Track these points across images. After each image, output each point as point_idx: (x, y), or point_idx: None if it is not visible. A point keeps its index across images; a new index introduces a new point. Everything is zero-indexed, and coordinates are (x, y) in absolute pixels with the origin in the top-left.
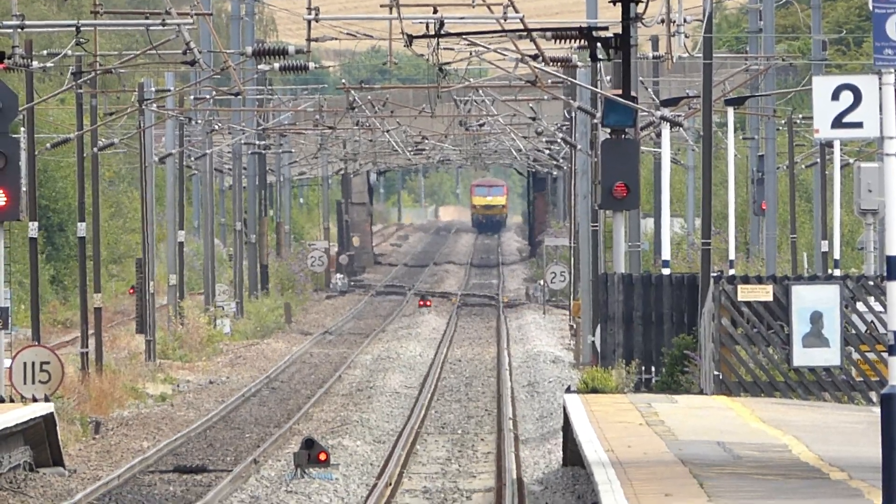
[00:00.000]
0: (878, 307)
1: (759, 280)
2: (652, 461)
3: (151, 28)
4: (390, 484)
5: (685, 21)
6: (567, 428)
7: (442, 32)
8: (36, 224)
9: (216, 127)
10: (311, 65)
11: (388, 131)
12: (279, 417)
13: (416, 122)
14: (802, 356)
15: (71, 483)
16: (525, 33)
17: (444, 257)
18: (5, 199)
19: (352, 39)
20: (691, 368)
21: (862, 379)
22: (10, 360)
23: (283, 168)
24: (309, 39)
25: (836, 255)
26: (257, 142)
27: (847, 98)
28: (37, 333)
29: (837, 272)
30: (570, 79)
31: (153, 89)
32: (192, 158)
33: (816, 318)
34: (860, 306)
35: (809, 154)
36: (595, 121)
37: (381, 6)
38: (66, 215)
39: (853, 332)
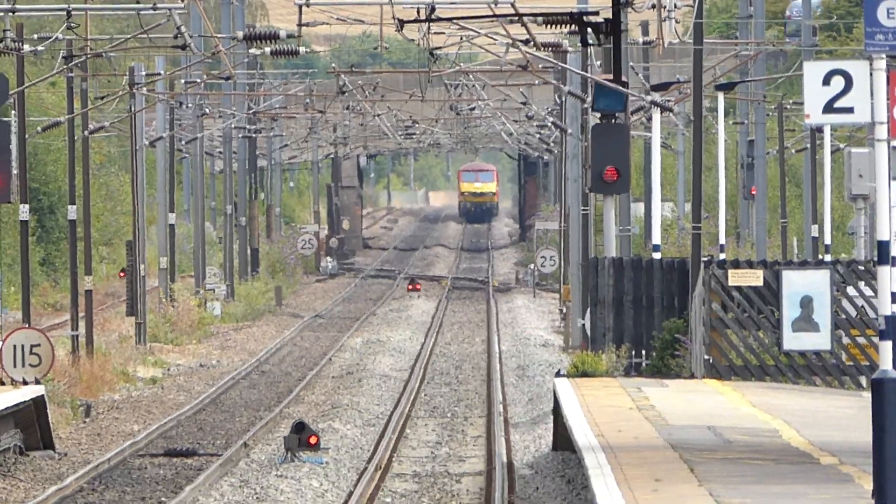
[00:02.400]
0: (868, 292)
1: (750, 264)
2: (642, 446)
3: (142, 12)
4: (380, 468)
5: (675, 6)
6: (557, 412)
7: (433, 17)
8: (27, 207)
9: (207, 111)
10: (302, 49)
11: (378, 115)
12: (269, 401)
13: (407, 106)
14: (793, 340)
15: (61, 466)
16: (516, 18)
17: (435, 241)
18: None
19: (343, 24)
20: (682, 352)
21: (852, 363)
22: (1, 343)
23: (273, 152)
24: (300, 24)
25: (827, 240)
26: (248, 126)
27: (838, 83)
28: (27, 316)
29: (828, 257)
30: (560, 63)
31: (144, 73)
32: (183, 142)
33: (807, 303)
34: (850, 291)
35: (800, 139)
36: (585, 105)
37: None
38: (56, 198)
39: (843, 316)
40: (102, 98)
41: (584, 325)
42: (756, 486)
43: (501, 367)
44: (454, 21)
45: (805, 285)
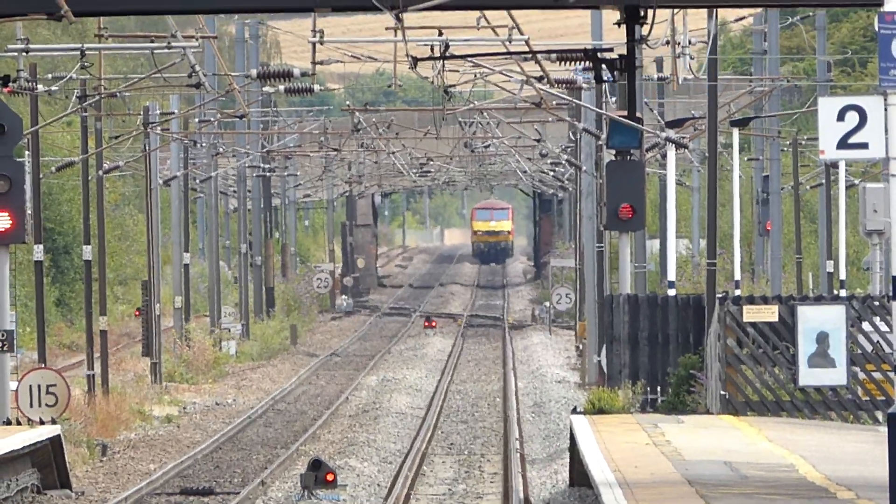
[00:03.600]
0: (883, 327)
1: (765, 300)
2: (658, 481)
3: (156, 51)
4: None
5: (690, 43)
6: (574, 448)
7: (447, 54)
8: (41, 247)
9: (221, 150)
10: (316, 87)
11: (393, 153)
12: (286, 439)
13: (421, 143)
14: (808, 376)
15: None
16: (530, 55)
17: (450, 278)
18: (10, 222)
19: (356, 62)
20: (697, 388)
21: (868, 398)
22: (17, 383)
23: (287, 190)
24: (314, 62)
25: (842, 276)
26: (262, 164)
27: (853, 119)
28: (43, 356)
29: (843, 292)
30: (574, 100)
31: (158, 112)
32: (197, 181)
33: (822, 339)
34: (866, 326)
35: (814, 175)
36: (600, 142)
37: (386, 28)
38: (71, 238)
39: (859, 351)
40: (117, 138)
41: (599, 361)
42: None
43: (518, 404)
44: (468, 59)
45: (820, 321)
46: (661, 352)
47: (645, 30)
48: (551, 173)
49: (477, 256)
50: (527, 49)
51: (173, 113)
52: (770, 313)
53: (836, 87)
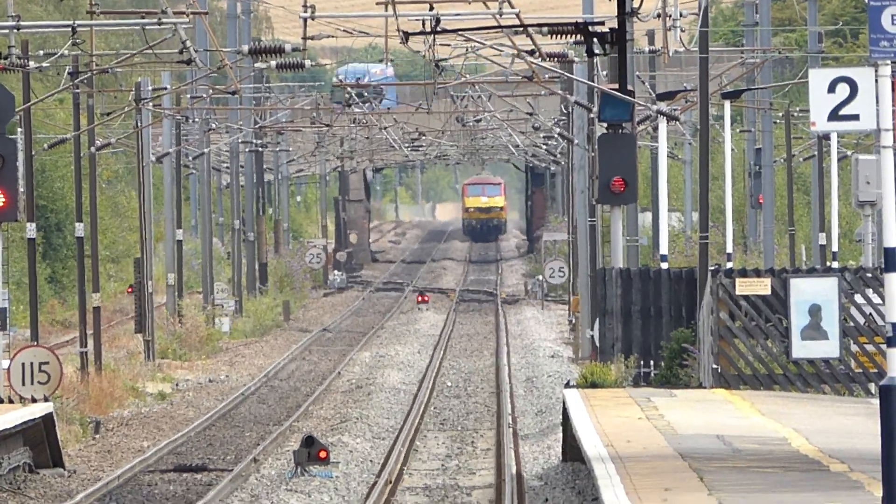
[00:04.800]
0: (876, 299)
1: (757, 273)
2: (651, 455)
3: (147, 27)
4: (390, 481)
5: (681, 15)
6: (566, 423)
7: (438, 29)
8: (34, 225)
9: (213, 126)
10: (308, 62)
11: (384, 128)
12: (279, 415)
13: (413, 118)
14: (801, 349)
15: (71, 484)
16: (521, 29)
17: (442, 253)
18: (3, 199)
19: (348, 37)
20: (690, 362)
21: (861, 371)
22: (9, 361)
23: (280, 166)
24: (305, 37)
25: (835, 248)
26: (254, 140)
27: (843, 90)
28: (35, 334)
29: (835, 264)
30: (566, 74)
31: (150, 88)
32: (190, 157)
33: (815, 311)
34: (858, 298)
35: (807, 147)
36: (592, 115)
37: (377, 3)
38: (63, 215)
39: (852, 324)
40: (109, 114)
41: (592, 335)
42: (765, 495)
43: (510, 378)
44: (459, 33)
45: (813, 293)
46: (653, 325)
47: (636, 2)
48: (544, 147)
49: (468, 234)
50: (518, 23)
51: (165, 89)
52: (762, 286)
53: (827, 58)
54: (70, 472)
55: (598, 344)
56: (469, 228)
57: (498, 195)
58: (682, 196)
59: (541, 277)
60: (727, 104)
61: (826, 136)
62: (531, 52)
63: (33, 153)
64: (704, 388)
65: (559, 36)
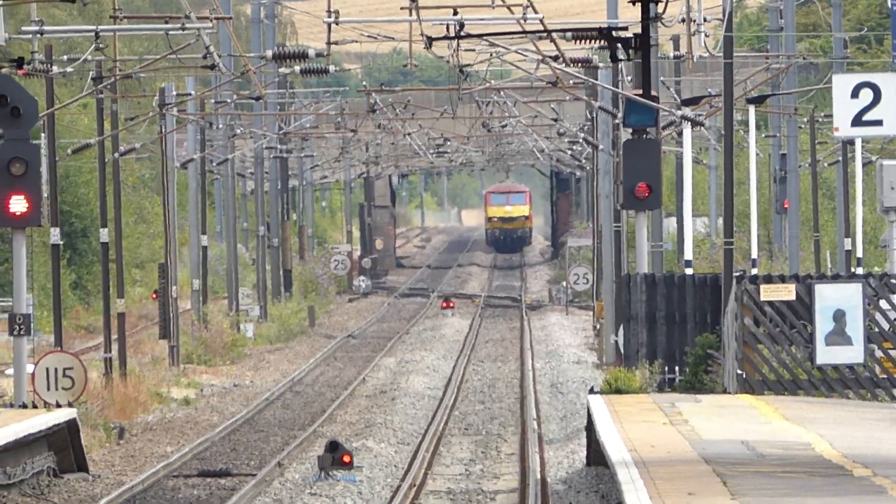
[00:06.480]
0: None
1: (782, 279)
2: (675, 460)
3: (171, 32)
4: (414, 485)
5: (705, 20)
6: (590, 428)
7: (462, 34)
8: (58, 230)
9: (238, 131)
10: (332, 67)
11: (409, 134)
12: (303, 420)
13: (438, 124)
14: (826, 354)
15: (95, 488)
16: (545, 34)
17: (468, 259)
18: (27, 205)
19: (372, 42)
20: (714, 368)
21: (885, 376)
22: (33, 366)
23: (305, 172)
24: (329, 42)
25: (859, 253)
26: (279, 146)
27: (867, 96)
28: (59, 339)
29: (860, 270)
30: (591, 79)
31: (174, 94)
32: (214, 163)
33: (839, 317)
34: (883, 304)
35: (832, 152)
36: (616, 121)
37: (402, 8)
38: (88, 221)
39: (876, 329)
40: (133, 119)
41: (617, 341)
42: (789, 499)
43: (535, 384)
44: (483, 38)
45: (838, 299)
46: (678, 331)
47: (660, 7)
48: (569, 152)
49: (492, 244)
50: (542, 28)
51: (189, 94)
52: (787, 292)
53: (852, 63)
54: (94, 476)
55: (622, 350)
56: (492, 239)
57: (522, 204)
58: (707, 201)
59: (565, 283)
60: (752, 109)
61: (851, 142)
62: (555, 58)
63: (57, 158)
64: (729, 393)
65: (583, 41)
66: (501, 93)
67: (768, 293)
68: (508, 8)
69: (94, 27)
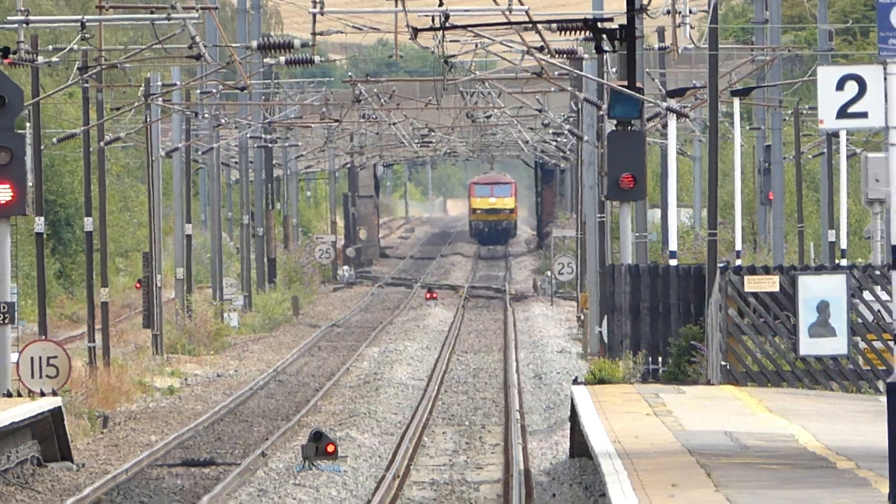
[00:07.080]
0: (884, 296)
1: (766, 270)
2: (659, 452)
3: (157, 22)
4: (398, 476)
5: (690, 12)
6: (574, 419)
7: (447, 25)
8: (42, 219)
9: (223, 121)
10: (317, 58)
11: (394, 124)
12: (287, 410)
13: (423, 114)
14: (809, 346)
15: (79, 477)
16: (530, 25)
17: (451, 249)
18: (11, 194)
19: (357, 32)
20: (698, 359)
21: (869, 368)
22: (18, 355)
23: (289, 162)
24: (314, 33)
25: (843, 245)
26: (264, 136)
27: (852, 88)
28: (44, 328)
29: (844, 262)
30: (576, 70)
31: (159, 84)
32: (199, 153)
33: (823, 308)
34: (867, 295)
35: (816, 144)
36: (601, 112)
37: None
38: (73, 210)
39: (860, 321)
40: (118, 109)
41: (601, 332)
42: (773, 491)
43: (519, 374)
44: (468, 29)
45: (821, 290)
46: (662, 322)
47: None
48: (553, 143)
49: (475, 237)
50: (527, 19)
51: (175, 84)
52: (771, 283)
53: (837, 56)
54: (78, 465)
55: (606, 340)
56: (476, 231)
57: (507, 196)
58: (691, 193)
59: (550, 274)
60: (737, 101)
61: (835, 134)
62: (540, 49)
63: (42, 148)
64: (713, 384)
65: (568, 32)
66: (486, 83)
67: (752, 284)
68: None
69: (79, 17)
